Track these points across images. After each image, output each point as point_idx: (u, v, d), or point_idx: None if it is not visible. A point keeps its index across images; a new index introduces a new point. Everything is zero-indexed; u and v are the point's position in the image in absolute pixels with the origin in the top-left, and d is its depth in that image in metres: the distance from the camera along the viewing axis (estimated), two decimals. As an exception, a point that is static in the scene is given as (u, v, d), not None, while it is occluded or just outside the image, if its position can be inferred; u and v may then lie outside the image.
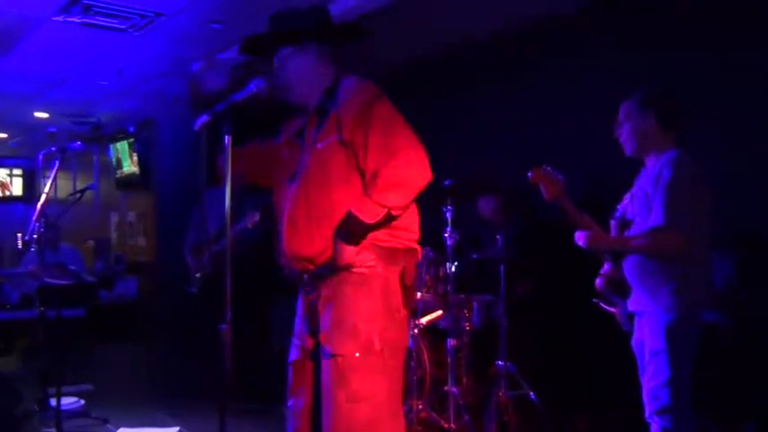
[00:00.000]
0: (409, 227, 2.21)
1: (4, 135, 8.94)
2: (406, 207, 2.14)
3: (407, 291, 2.21)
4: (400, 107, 2.16)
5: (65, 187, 9.08)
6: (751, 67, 3.41)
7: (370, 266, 2.12)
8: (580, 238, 2.64)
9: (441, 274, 3.95)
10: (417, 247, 2.23)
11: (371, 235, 2.11)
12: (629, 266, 2.61)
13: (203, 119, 1.96)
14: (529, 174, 2.72)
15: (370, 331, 2.10)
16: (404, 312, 2.20)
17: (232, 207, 2.01)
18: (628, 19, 3.90)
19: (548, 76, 4.40)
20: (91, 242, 8.53)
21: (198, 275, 4.41)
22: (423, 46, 4.86)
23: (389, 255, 2.15)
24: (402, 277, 2.18)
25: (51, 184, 3.75)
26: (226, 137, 1.99)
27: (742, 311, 3.19)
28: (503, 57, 4.65)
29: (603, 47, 4.00)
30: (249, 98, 2.01)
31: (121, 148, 7.88)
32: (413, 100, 3.12)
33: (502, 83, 4.74)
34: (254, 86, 2.03)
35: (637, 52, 3.80)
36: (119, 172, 8.09)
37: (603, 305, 2.78)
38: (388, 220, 2.10)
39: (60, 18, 4.35)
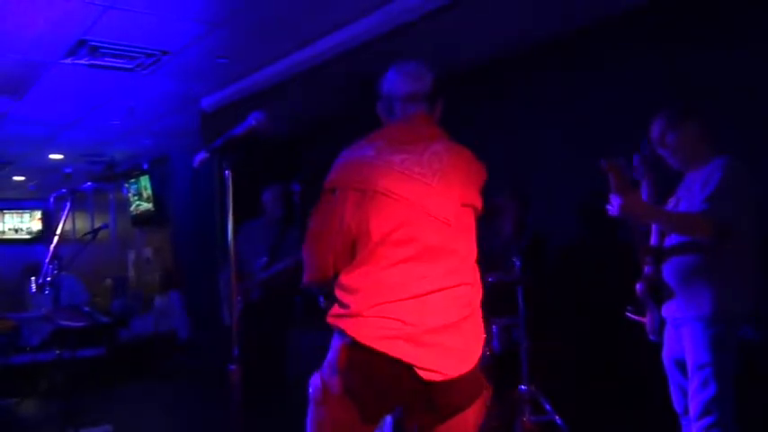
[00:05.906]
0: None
1: (22, 178, 9.06)
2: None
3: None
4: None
5: (84, 227, 9.15)
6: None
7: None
8: (614, 203, 2.42)
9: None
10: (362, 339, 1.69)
11: None
12: (669, 270, 2.53)
13: (201, 155, 1.93)
14: (602, 162, 2.42)
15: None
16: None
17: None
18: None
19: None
20: (109, 281, 8.56)
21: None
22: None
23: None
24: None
25: (63, 226, 3.76)
26: (226, 171, 1.96)
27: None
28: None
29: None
30: (248, 132, 1.97)
31: (137, 185, 7.95)
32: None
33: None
34: (253, 120, 1.98)
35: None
36: (134, 209, 8.14)
37: (633, 316, 2.68)
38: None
39: (69, 61, 4.40)
